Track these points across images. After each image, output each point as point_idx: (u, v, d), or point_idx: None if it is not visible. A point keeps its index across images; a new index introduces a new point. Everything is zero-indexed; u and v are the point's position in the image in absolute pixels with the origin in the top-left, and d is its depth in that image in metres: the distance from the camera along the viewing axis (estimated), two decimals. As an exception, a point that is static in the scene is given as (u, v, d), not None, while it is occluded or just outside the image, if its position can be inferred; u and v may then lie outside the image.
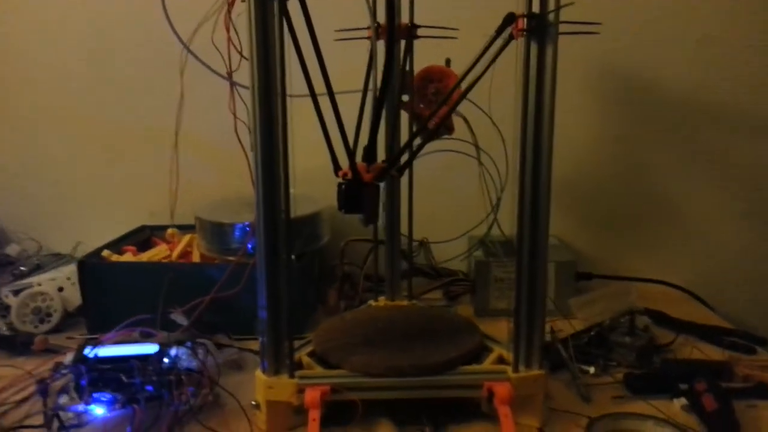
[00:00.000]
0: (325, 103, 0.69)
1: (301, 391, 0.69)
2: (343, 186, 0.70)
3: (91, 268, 0.99)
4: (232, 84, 0.83)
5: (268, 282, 0.70)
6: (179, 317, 0.90)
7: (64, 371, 0.75)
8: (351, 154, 0.70)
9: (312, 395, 0.68)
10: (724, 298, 1.17)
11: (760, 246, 1.21)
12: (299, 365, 0.73)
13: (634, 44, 1.17)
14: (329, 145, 0.70)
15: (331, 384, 0.69)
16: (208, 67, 0.82)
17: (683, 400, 0.75)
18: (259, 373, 0.72)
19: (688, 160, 1.20)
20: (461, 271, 1.19)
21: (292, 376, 0.70)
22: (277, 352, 0.71)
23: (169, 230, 1.13)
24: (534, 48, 0.66)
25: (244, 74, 0.74)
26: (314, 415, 0.66)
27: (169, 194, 1.25)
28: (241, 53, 0.74)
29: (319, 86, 0.70)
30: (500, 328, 0.82)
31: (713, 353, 0.89)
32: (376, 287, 1.00)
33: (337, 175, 0.72)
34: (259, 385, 0.71)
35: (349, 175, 0.70)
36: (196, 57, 0.82)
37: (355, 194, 0.70)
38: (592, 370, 0.84)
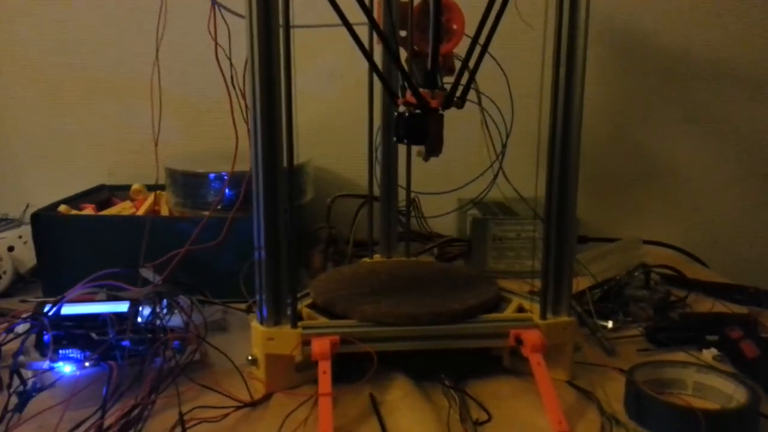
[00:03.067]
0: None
1: (306, 343, 0.60)
2: (407, 114, 0.64)
3: (47, 223, 0.87)
4: (215, 4, 0.73)
5: (266, 216, 0.61)
6: (149, 273, 0.80)
7: (20, 331, 0.64)
8: (409, 78, 0.63)
9: (321, 345, 0.59)
10: (716, 259, 1.14)
11: (752, 208, 1.19)
12: (300, 317, 0.65)
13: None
14: (378, 72, 0.66)
15: (341, 334, 0.61)
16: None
17: (713, 351, 0.71)
18: (256, 324, 0.63)
19: (682, 117, 1.17)
20: (451, 235, 1.12)
21: (295, 326, 0.61)
22: (277, 300, 0.62)
23: (134, 186, 1.02)
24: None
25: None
26: (325, 366, 0.58)
27: (132, 150, 1.16)
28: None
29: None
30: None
31: (730, 308, 0.84)
32: (363, 253, 0.91)
33: (395, 103, 0.66)
34: (257, 338, 0.62)
35: (412, 102, 0.63)
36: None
37: (421, 123, 0.64)
38: (610, 324, 0.78)
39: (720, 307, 0.84)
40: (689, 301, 0.87)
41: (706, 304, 0.86)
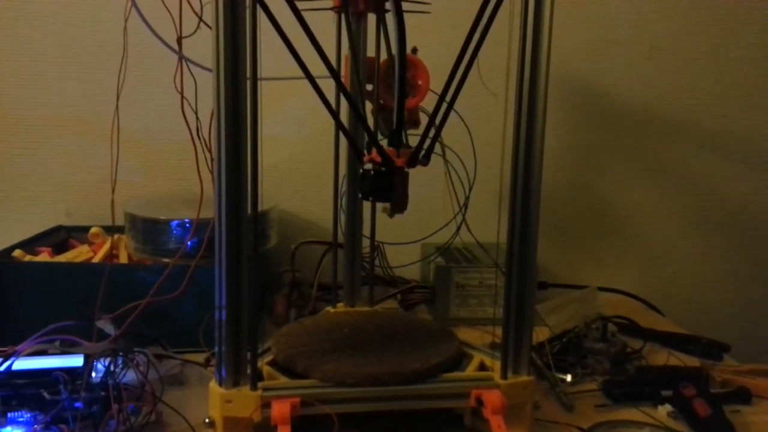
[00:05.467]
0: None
1: (266, 405, 0.59)
2: (372, 172, 0.65)
3: (0, 269, 0.84)
4: (182, 58, 0.73)
5: (229, 276, 0.60)
6: (106, 325, 0.78)
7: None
8: (374, 137, 0.64)
9: (280, 409, 0.58)
10: (673, 305, 1.17)
11: (708, 254, 1.23)
12: (260, 376, 0.64)
13: (586, 54, 1.16)
14: (344, 130, 0.66)
15: (301, 395, 0.60)
16: (150, 28, 0.71)
17: (668, 407, 0.72)
18: (213, 385, 0.62)
19: (637, 169, 1.21)
20: (415, 281, 1.13)
21: (254, 387, 0.61)
22: (237, 361, 0.61)
23: (93, 229, 1.00)
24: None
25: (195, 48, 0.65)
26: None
27: (91, 190, 1.13)
28: (200, 17, 0.65)
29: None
30: (463, 337, 0.76)
31: (684, 360, 0.86)
32: (327, 297, 0.91)
33: (361, 161, 0.67)
34: (215, 400, 0.61)
35: (377, 161, 0.64)
36: (138, 12, 0.70)
37: (386, 181, 0.65)
38: (569, 378, 0.79)
39: (674, 360, 0.86)
40: (645, 352, 0.88)
41: (661, 356, 0.88)
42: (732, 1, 1.16)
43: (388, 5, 0.76)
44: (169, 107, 1.00)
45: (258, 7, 0.57)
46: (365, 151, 0.72)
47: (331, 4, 0.76)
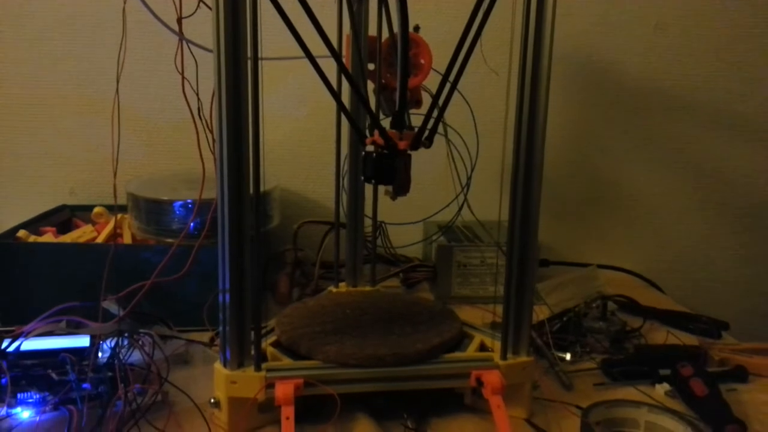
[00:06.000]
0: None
1: (270, 385, 0.61)
2: (374, 155, 0.65)
3: (5, 250, 0.85)
4: (182, 39, 0.72)
5: (232, 260, 0.61)
6: (112, 306, 0.79)
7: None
8: (376, 119, 0.64)
9: (284, 390, 0.59)
10: (673, 284, 1.18)
11: (710, 233, 1.23)
12: (263, 357, 0.65)
13: (593, 28, 1.15)
14: (347, 113, 0.65)
15: (305, 377, 0.61)
16: (150, 10, 0.71)
17: (666, 386, 0.73)
18: (218, 366, 0.63)
19: (641, 147, 1.20)
20: (417, 258, 1.14)
21: (258, 368, 0.62)
22: (241, 342, 0.62)
23: (96, 209, 1.00)
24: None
25: (195, 27, 0.64)
26: (288, 412, 0.58)
27: (94, 169, 1.14)
28: (200, -2, 0.65)
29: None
30: (464, 315, 0.77)
31: (683, 339, 0.87)
32: (329, 274, 0.92)
33: (363, 143, 0.66)
34: (220, 381, 0.62)
35: (379, 143, 0.64)
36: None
37: (388, 164, 0.64)
38: (568, 356, 0.80)
39: (673, 338, 0.87)
40: (644, 330, 0.89)
41: (660, 334, 0.89)
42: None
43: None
44: (171, 86, 0.99)
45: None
46: (367, 133, 0.72)
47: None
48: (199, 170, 0.74)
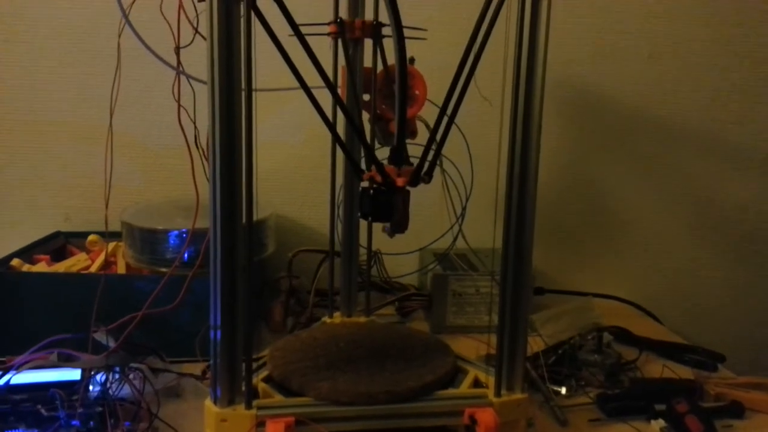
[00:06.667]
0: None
1: (260, 423, 0.60)
2: (372, 192, 0.63)
3: (-2, 280, 0.85)
4: (179, 72, 0.73)
5: (224, 296, 0.61)
6: (104, 337, 0.78)
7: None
8: (373, 155, 0.63)
9: (275, 429, 0.58)
10: (668, 312, 1.18)
11: (704, 261, 1.23)
12: (255, 393, 0.64)
13: (588, 58, 1.16)
14: (343, 147, 0.65)
15: (296, 414, 0.61)
16: (147, 47, 0.71)
17: (661, 422, 0.72)
18: (209, 403, 0.62)
19: (635, 174, 1.21)
20: (413, 286, 1.13)
21: (249, 406, 0.61)
22: (232, 379, 0.62)
23: (90, 237, 1.00)
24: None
25: (193, 57, 0.64)
26: (279, 451, 0.57)
27: (90, 196, 1.14)
28: (195, 28, 0.65)
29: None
30: (459, 346, 0.77)
31: (678, 371, 0.87)
32: (324, 302, 0.91)
33: (360, 179, 0.65)
34: (210, 418, 0.61)
35: (377, 180, 0.63)
36: (132, 29, 0.70)
37: (386, 200, 0.63)
38: (563, 390, 0.80)
39: (669, 372, 0.86)
40: (640, 362, 0.89)
41: (656, 367, 0.89)
42: (731, 7, 1.15)
43: (384, 31, 0.75)
44: (167, 113, 1.00)
45: (253, 16, 0.56)
46: (363, 165, 0.71)
47: (327, 30, 0.76)
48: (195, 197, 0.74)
